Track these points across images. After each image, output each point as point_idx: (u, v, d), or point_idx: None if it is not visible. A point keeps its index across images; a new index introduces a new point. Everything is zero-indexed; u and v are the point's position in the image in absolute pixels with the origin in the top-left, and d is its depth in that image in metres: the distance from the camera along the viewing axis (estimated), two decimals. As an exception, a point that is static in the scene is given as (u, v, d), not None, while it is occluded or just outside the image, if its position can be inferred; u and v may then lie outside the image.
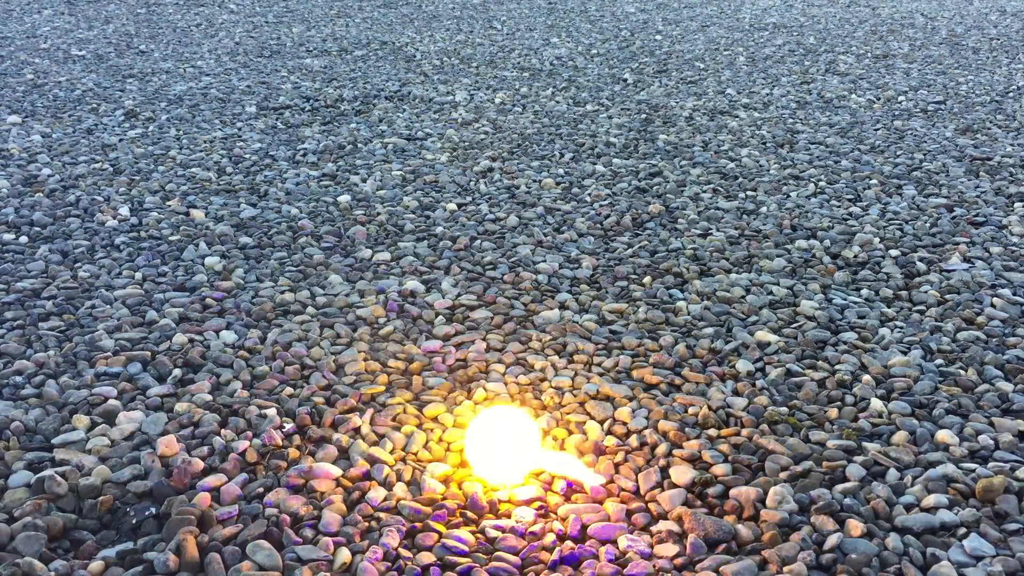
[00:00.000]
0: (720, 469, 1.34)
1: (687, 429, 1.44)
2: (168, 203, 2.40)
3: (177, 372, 1.57)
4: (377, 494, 1.27)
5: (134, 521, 1.20)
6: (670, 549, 1.17)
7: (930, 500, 1.26)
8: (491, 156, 2.87)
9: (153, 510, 1.22)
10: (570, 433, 1.43)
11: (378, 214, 2.36)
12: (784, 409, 1.50)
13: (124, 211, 2.32)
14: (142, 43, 4.64)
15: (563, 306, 1.87)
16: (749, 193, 2.56)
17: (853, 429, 1.44)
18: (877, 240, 2.21)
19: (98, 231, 2.20)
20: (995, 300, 1.89)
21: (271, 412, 1.45)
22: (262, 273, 2.00)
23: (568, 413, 1.48)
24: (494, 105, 3.54)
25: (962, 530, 1.20)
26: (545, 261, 2.08)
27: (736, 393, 1.56)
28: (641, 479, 1.31)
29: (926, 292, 1.93)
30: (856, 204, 2.48)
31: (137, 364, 1.59)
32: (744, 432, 1.43)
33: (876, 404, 1.50)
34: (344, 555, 1.14)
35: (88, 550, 1.15)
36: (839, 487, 1.29)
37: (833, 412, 1.49)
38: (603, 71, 4.21)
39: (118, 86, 3.71)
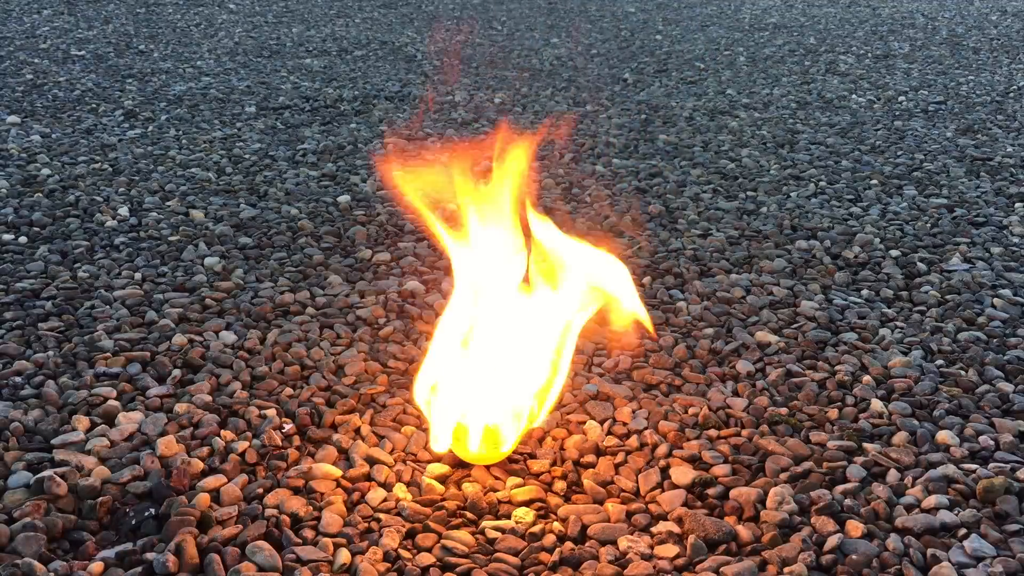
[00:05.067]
0: (720, 470, 1.33)
1: (687, 430, 1.44)
2: (168, 203, 2.40)
3: (177, 373, 1.57)
4: (377, 495, 1.27)
5: (133, 522, 1.20)
6: (670, 550, 1.17)
7: (931, 501, 1.25)
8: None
9: (152, 511, 1.21)
10: (570, 433, 1.43)
11: (378, 214, 2.35)
12: (784, 410, 1.50)
13: (124, 211, 2.32)
14: (141, 43, 4.64)
15: (563, 306, 1.87)
16: (749, 193, 2.56)
17: (853, 430, 1.44)
18: (877, 240, 2.21)
19: (97, 231, 2.20)
20: (996, 300, 1.89)
21: (271, 413, 1.45)
22: (262, 273, 2.00)
23: (568, 413, 1.48)
24: (494, 105, 3.54)
25: (963, 531, 1.20)
26: (545, 261, 2.07)
27: (736, 394, 1.56)
28: (641, 480, 1.31)
29: (927, 292, 1.93)
30: (856, 204, 2.48)
31: (137, 365, 1.59)
32: (744, 433, 1.43)
33: (876, 405, 1.50)
34: (344, 555, 1.14)
35: (87, 551, 1.15)
36: (839, 488, 1.29)
37: (833, 413, 1.48)
38: (603, 71, 4.21)
39: (117, 86, 3.71)
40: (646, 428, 1.44)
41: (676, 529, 1.21)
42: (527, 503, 1.26)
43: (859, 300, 1.91)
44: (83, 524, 1.20)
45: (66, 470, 1.28)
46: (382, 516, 1.23)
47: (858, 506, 1.25)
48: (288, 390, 1.53)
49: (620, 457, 1.37)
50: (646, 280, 1.99)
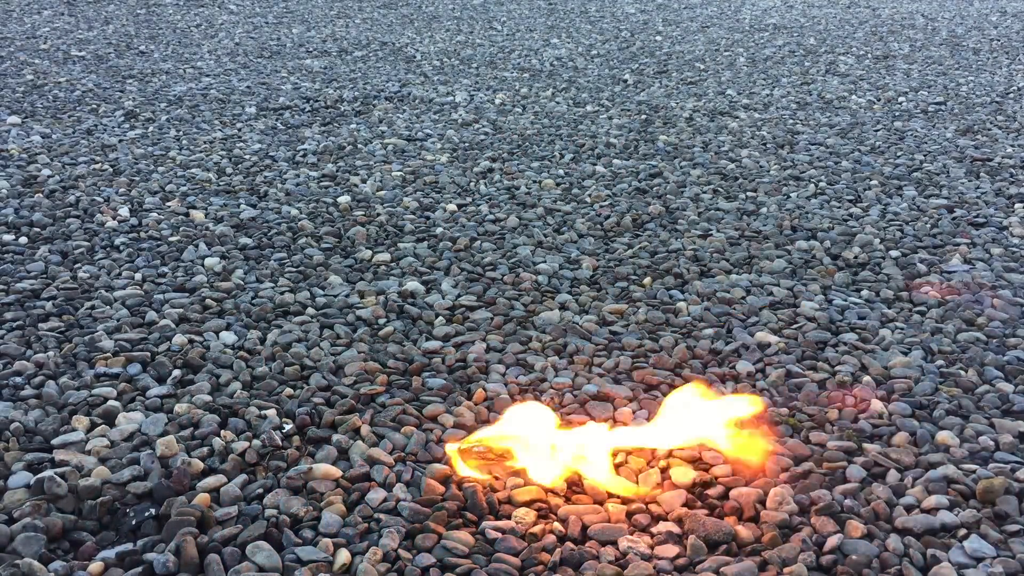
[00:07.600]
0: (720, 470, 1.33)
1: (687, 430, 1.44)
2: (168, 204, 2.40)
3: (177, 373, 1.57)
4: (377, 495, 1.27)
5: (134, 522, 1.20)
6: (670, 550, 1.17)
7: (930, 501, 1.25)
8: (491, 157, 2.87)
9: (153, 511, 1.21)
10: (570, 434, 1.42)
11: (378, 215, 2.35)
12: (784, 410, 1.50)
13: (124, 212, 2.32)
14: (142, 44, 4.64)
15: (563, 307, 1.87)
16: (749, 194, 2.56)
17: (853, 430, 1.44)
18: (877, 241, 2.21)
19: (98, 232, 2.20)
20: (995, 301, 1.89)
21: (271, 413, 1.45)
22: (262, 274, 2.00)
23: (568, 414, 1.48)
24: (494, 106, 3.54)
25: (962, 531, 1.20)
26: (545, 262, 2.08)
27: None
28: (641, 480, 1.31)
29: (927, 293, 1.93)
30: (856, 205, 2.48)
31: (137, 365, 1.59)
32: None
33: (876, 405, 1.50)
34: (344, 556, 1.14)
35: (88, 551, 1.15)
36: (839, 488, 1.29)
37: (833, 413, 1.48)
38: (603, 72, 4.21)
39: (118, 87, 3.71)
40: (646, 428, 1.44)
41: (676, 529, 1.21)
42: (527, 503, 1.26)
43: (859, 301, 1.90)
44: (83, 524, 1.20)
45: (66, 470, 1.28)
46: (382, 516, 1.23)
47: (858, 506, 1.25)
48: (288, 390, 1.53)
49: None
50: (646, 280, 1.99)
